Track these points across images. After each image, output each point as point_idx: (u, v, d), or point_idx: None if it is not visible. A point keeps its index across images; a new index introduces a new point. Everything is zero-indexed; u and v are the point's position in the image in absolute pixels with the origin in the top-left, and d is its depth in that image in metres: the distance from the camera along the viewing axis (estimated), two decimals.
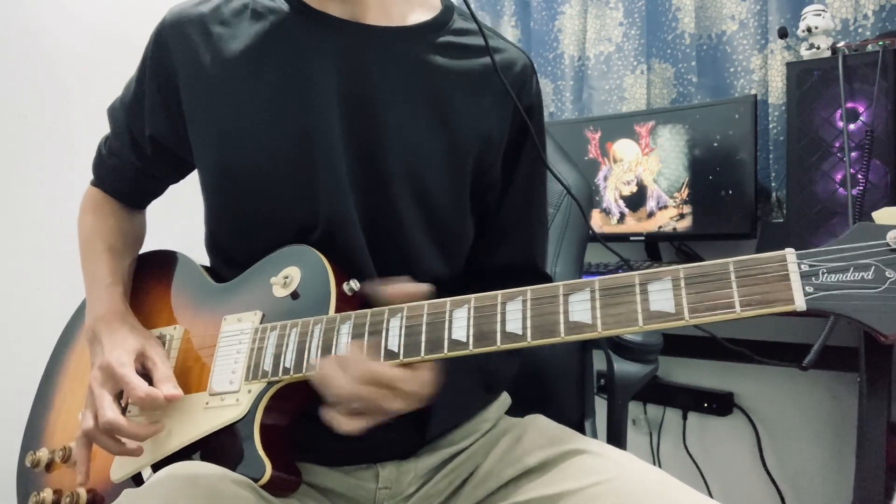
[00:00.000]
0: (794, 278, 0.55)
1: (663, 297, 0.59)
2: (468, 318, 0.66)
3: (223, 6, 0.86)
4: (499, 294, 0.66)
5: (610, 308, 0.61)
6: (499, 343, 0.64)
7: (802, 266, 0.55)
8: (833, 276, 0.54)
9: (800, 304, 0.54)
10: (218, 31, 0.85)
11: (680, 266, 0.59)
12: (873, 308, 0.52)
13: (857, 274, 0.54)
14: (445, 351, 0.66)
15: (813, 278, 0.55)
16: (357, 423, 0.69)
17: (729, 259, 0.58)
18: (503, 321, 0.65)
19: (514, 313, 0.64)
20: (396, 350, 0.68)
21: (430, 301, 0.69)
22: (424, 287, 0.72)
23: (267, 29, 0.84)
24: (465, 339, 0.66)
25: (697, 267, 0.59)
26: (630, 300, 0.60)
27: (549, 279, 0.97)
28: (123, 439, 0.77)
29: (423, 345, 0.67)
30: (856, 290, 0.53)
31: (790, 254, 0.56)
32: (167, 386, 0.78)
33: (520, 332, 0.63)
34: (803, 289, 0.55)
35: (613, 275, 0.62)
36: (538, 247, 0.95)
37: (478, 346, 0.65)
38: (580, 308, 0.62)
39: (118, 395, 0.79)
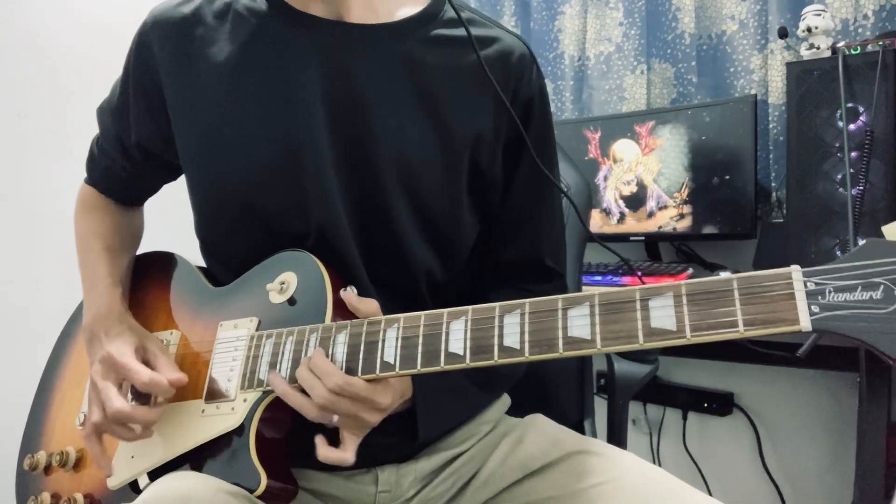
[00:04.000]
0: (799, 297, 0.53)
1: (664, 313, 0.58)
2: (465, 331, 0.65)
3: (205, 7, 0.84)
4: (496, 306, 0.65)
5: (610, 324, 0.59)
6: (496, 357, 0.63)
7: (808, 284, 0.54)
8: (840, 295, 0.52)
9: (805, 324, 0.53)
10: (200, 33, 0.83)
11: (682, 282, 0.58)
12: (881, 330, 0.51)
13: (865, 293, 0.52)
14: (442, 364, 0.65)
15: (819, 297, 0.53)
16: (338, 452, 0.70)
17: (733, 276, 0.57)
18: (500, 335, 0.64)
19: (512, 327, 0.63)
20: (392, 362, 0.68)
21: (427, 312, 0.68)
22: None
23: (249, 32, 0.82)
24: (462, 353, 0.65)
25: (700, 283, 0.57)
26: (630, 316, 0.59)
27: (559, 276, 0.95)
28: (132, 426, 0.77)
29: (419, 357, 0.67)
30: (863, 310, 0.51)
31: (796, 271, 0.54)
32: (169, 370, 0.78)
33: (517, 347, 0.63)
34: (809, 308, 0.53)
35: (614, 289, 0.61)
36: (548, 243, 0.92)
37: (475, 359, 0.64)
38: (579, 323, 0.61)
39: (121, 387, 0.79)
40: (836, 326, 0.52)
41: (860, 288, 0.52)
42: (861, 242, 0.55)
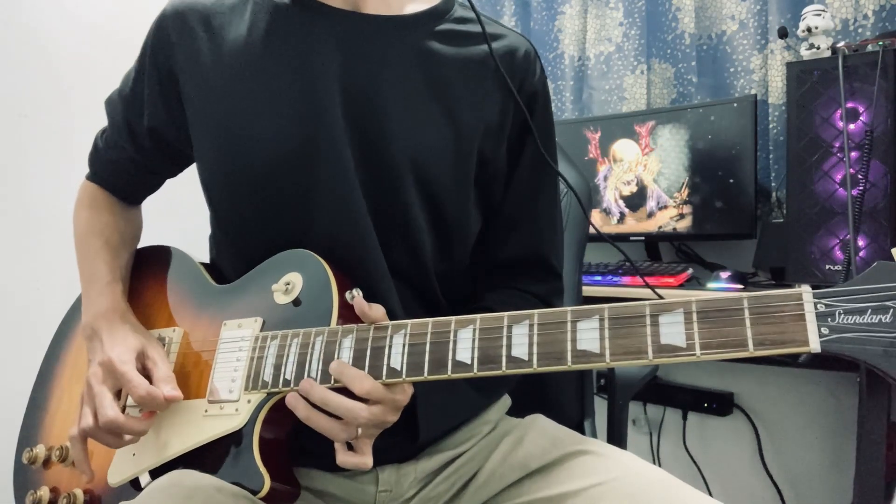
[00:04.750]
0: (809, 318, 0.53)
1: (674, 330, 0.57)
2: (473, 340, 0.65)
3: None
4: (505, 316, 0.65)
5: (619, 339, 0.59)
6: (504, 368, 0.63)
7: (819, 306, 0.54)
8: (850, 317, 0.52)
9: (815, 346, 0.53)
10: (219, 22, 0.84)
11: (692, 298, 0.58)
12: (891, 354, 0.51)
13: (874, 316, 0.52)
14: (449, 372, 0.65)
15: (829, 319, 0.53)
16: (356, 457, 0.70)
17: (743, 294, 0.56)
18: (509, 345, 0.64)
19: (521, 337, 0.63)
20: (399, 368, 0.67)
21: (435, 319, 0.68)
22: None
23: (267, 21, 0.83)
24: (469, 362, 0.65)
25: (710, 301, 0.57)
26: (640, 331, 0.59)
27: (557, 274, 0.95)
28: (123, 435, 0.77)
29: (426, 365, 0.66)
30: (873, 333, 0.51)
31: (807, 293, 0.54)
32: (167, 387, 0.78)
33: (526, 358, 0.62)
34: (819, 330, 0.53)
35: (623, 303, 0.61)
36: (547, 239, 0.93)
37: (482, 369, 0.64)
38: (588, 336, 0.60)
39: (117, 393, 0.78)
40: (845, 349, 0.52)
41: (870, 311, 0.52)
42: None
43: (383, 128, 0.81)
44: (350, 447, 0.71)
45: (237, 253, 0.87)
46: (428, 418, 0.78)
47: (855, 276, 0.53)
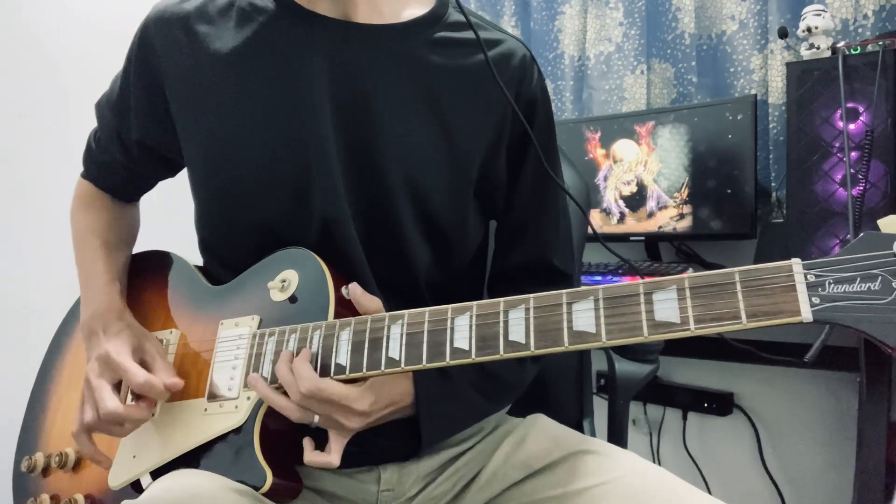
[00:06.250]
0: (800, 289, 0.54)
1: (668, 306, 0.58)
2: (470, 326, 0.65)
3: (208, 4, 0.84)
4: (501, 301, 0.65)
5: (614, 318, 0.60)
6: (502, 351, 0.63)
7: (809, 277, 0.54)
8: (839, 286, 0.53)
9: (806, 315, 0.53)
10: (203, 30, 0.82)
11: (685, 275, 0.58)
12: (880, 320, 0.51)
13: (863, 284, 0.52)
14: (448, 359, 0.65)
15: (819, 289, 0.54)
16: (322, 456, 0.71)
17: (734, 268, 0.57)
18: (506, 329, 0.64)
19: (517, 321, 0.63)
20: (398, 358, 0.68)
21: (431, 308, 0.68)
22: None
23: (254, 29, 0.82)
24: (467, 348, 0.65)
25: (702, 276, 0.58)
26: (635, 310, 0.59)
27: (568, 277, 0.94)
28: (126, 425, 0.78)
29: (424, 353, 0.67)
30: (862, 301, 0.52)
31: (796, 264, 0.55)
32: (165, 373, 0.79)
33: (523, 341, 0.63)
34: (810, 300, 0.54)
35: (617, 283, 0.61)
36: (555, 244, 0.92)
37: (480, 354, 0.64)
38: (584, 317, 0.61)
39: (116, 386, 0.79)
40: (836, 317, 0.53)
41: (859, 279, 0.53)
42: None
43: (374, 140, 0.80)
44: (322, 447, 0.72)
45: (224, 262, 0.88)
46: (430, 427, 0.78)
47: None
